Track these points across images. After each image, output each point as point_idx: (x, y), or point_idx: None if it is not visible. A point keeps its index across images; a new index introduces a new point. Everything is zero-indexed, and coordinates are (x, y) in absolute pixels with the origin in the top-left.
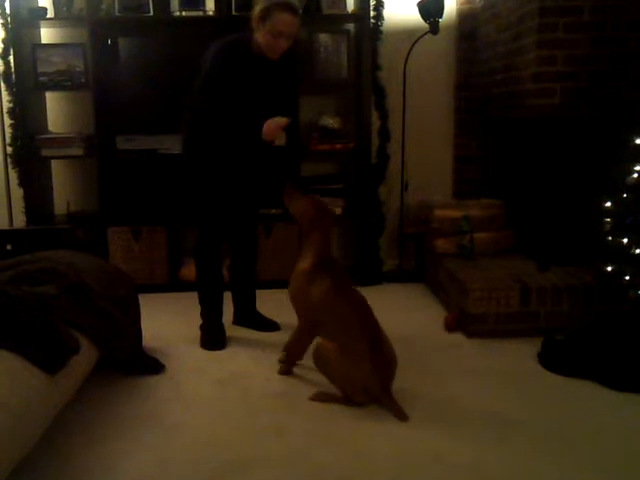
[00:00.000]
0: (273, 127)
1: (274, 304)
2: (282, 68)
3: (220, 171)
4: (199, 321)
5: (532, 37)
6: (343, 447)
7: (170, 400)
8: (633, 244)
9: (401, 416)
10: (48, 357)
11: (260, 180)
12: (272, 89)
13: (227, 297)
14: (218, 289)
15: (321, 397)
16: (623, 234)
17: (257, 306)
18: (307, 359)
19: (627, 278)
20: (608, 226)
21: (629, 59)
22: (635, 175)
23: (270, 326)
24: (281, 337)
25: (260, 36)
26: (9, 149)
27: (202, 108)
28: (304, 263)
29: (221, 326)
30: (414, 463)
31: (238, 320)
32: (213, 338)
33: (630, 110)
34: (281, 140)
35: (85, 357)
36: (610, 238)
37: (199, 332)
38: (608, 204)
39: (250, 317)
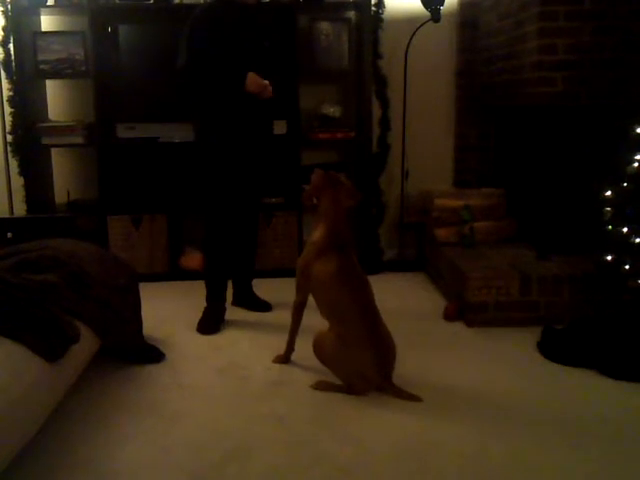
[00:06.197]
0: (255, 79)
1: (274, 293)
2: (261, 21)
3: (229, 158)
4: (199, 310)
5: (533, 25)
6: (344, 435)
7: (170, 388)
8: (633, 233)
9: (413, 398)
10: (49, 345)
11: (262, 169)
12: (253, 41)
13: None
14: (225, 278)
15: (323, 386)
16: (623, 223)
17: (259, 294)
18: (308, 348)
19: (627, 267)
20: (608, 215)
21: (631, 48)
22: (636, 164)
23: (262, 306)
24: (281, 323)
25: None
26: (9, 137)
27: (192, 65)
28: (316, 234)
29: (223, 312)
30: (415, 451)
31: (236, 301)
32: (211, 324)
33: (631, 99)
34: (265, 94)
35: (85, 346)
36: (610, 227)
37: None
38: (608, 193)
39: (245, 297)
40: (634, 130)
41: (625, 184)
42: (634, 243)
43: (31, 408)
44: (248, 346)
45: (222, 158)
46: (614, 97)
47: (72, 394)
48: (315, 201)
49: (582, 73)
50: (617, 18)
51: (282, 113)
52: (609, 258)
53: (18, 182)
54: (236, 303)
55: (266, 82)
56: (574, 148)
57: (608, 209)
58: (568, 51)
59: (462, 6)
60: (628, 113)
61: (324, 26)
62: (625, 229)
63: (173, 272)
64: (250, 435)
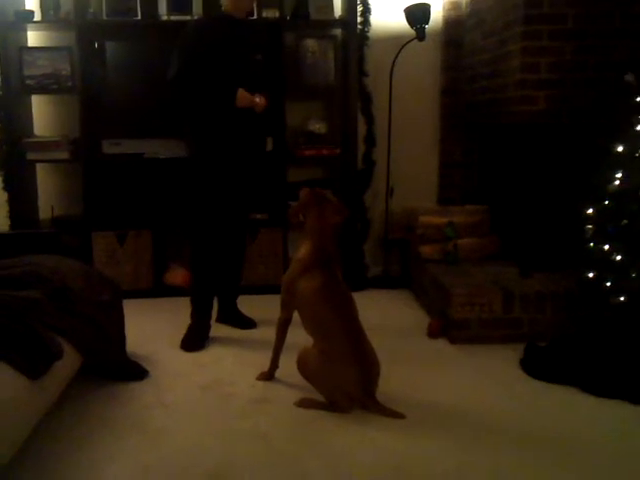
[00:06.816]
0: (244, 95)
1: (258, 309)
2: (251, 36)
3: (220, 174)
4: (183, 327)
5: (517, 44)
6: (327, 453)
7: (153, 406)
8: (614, 251)
9: (396, 415)
10: (31, 362)
11: (251, 186)
12: (244, 56)
13: None
14: (212, 295)
15: (306, 403)
16: (605, 241)
17: (243, 311)
18: (292, 365)
19: (608, 284)
20: (590, 233)
21: (612, 67)
22: (617, 182)
23: (247, 323)
24: (265, 340)
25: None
26: None
27: (184, 76)
28: (302, 250)
29: (207, 329)
30: (399, 468)
31: (220, 318)
32: (195, 341)
33: (612, 118)
34: (257, 109)
35: (68, 362)
36: (592, 245)
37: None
38: (590, 211)
39: (230, 314)
40: (615, 148)
41: (606, 202)
42: (615, 260)
43: (12, 425)
44: (232, 363)
45: (213, 173)
46: (595, 116)
47: (54, 412)
48: (301, 218)
49: (564, 92)
50: (599, 38)
51: (268, 130)
52: (591, 275)
53: (2, 197)
54: (220, 320)
55: (256, 99)
56: (556, 166)
57: (590, 227)
58: (551, 70)
59: (447, 25)
60: (609, 131)
61: (310, 43)
62: (606, 246)
63: (157, 288)
64: (233, 453)
